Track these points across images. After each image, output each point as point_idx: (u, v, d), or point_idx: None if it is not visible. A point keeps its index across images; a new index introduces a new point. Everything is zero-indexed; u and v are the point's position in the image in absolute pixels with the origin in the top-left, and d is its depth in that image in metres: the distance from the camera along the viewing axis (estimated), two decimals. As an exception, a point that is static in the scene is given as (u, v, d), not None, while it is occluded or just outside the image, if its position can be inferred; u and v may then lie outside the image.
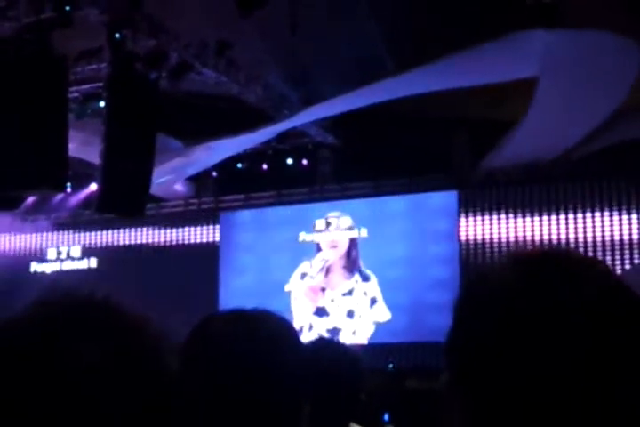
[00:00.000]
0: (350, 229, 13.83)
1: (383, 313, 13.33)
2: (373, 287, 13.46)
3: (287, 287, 13.78)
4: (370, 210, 13.74)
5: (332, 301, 13.63)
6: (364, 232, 13.71)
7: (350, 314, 13.51)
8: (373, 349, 12.80)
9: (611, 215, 12.33)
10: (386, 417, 6.68)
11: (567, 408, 0.94)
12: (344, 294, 13.62)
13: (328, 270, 13.79)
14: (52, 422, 0.81)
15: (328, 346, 2.59)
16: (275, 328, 1.68)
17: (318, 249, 13.90)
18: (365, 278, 13.55)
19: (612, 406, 0.95)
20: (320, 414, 2.34)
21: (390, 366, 12.14)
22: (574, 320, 0.95)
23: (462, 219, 13.15)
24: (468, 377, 1.00)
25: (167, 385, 0.89)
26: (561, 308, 0.96)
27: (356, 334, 13.28)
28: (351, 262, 13.72)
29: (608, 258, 11.98)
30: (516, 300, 0.98)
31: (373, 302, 13.45)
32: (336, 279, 13.75)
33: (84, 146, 11.70)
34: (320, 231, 13.95)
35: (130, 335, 0.88)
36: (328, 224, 13.94)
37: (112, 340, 0.86)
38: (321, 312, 13.54)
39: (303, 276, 13.86)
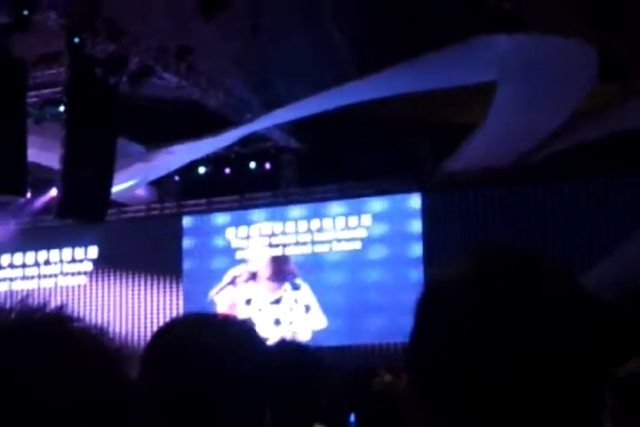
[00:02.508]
0: (272, 245, 13.96)
1: (319, 320, 13.47)
2: (306, 295, 13.61)
3: (216, 300, 13.85)
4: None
5: (260, 310, 13.71)
6: (292, 250, 13.85)
7: (277, 322, 13.62)
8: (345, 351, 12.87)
9: (566, 218, 12.48)
10: (352, 418, 6.68)
11: (527, 410, 0.95)
12: (272, 303, 13.77)
13: (253, 280, 13.88)
14: None
15: (290, 348, 2.59)
16: (237, 331, 1.69)
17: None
18: (295, 287, 13.71)
19: (573, 405, 0.97)
20: (282, 416, 2.34)
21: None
22: (533, 322, 0.96)
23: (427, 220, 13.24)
24: (425, 379, 1.01)
25: (125, 392, 0.88)
26: (520, 310, 0.96)
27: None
28: (278, 273, 13.87)
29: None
30: (476, 302, 0.98)
31: (307, 308, 13.60)
32: (262, 289, 13.91)
33: (43, 151, 11.59)
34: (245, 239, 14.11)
35: (84, 346, 0.88)
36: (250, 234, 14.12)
37: (65, 351, 0.86)
38: None
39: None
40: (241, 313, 13.63)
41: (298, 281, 13.72)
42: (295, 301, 13.67)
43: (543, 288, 0.99)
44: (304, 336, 13.37)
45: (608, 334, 1.00)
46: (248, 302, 13.85)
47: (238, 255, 14.20)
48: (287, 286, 13.78)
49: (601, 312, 1.01)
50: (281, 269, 13.90)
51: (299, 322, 13.59)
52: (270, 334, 13.25)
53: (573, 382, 0.96)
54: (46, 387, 0.82)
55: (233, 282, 14.02)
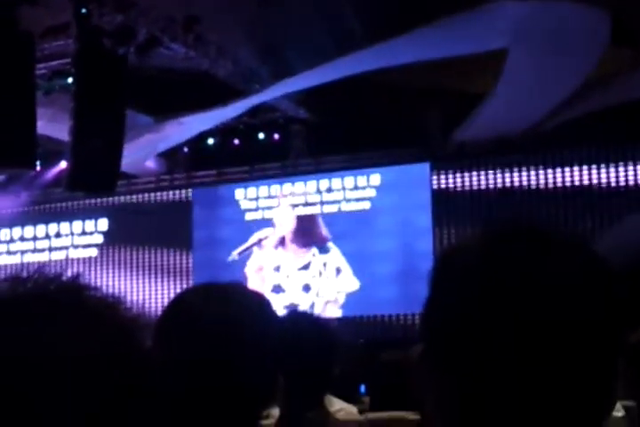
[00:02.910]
0: (299, 204, 13.89)
1: (351, 283, 13.38)
2: (335, 258, 13.49)
3: (246, 270, 13.85)
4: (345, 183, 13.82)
5: (288, 277, 13.69)
6: (315, 209, 13.81)
7: (306, 288, 13.59)
8: (349, 321, 12.95)
9: (581, 185, 12.45)
10: (362, 389, 6.74)
11: (540, 383, 0.95)
12: (299, 269, 13.70)
13: (282, 246, 13.84)
14: (21, 405, 0.80)
15: (302, 319, 2.60)
16: (248, 301, 1.69)
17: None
18: (324, 251, 13.60)
19: (583, 375, 0.97)
20: (294, 386, 2.36)
21: (361, 341, 12.26)
22: (540, 294, 0.96)
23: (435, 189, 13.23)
24: (438, 350, 1.02)
25: (139, 363, 0.89)
26: (527, 282, 0.97)
27: (315, 307, 13.30)
28: (305, 237, 13.76)
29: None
30: (486, 273, 0.99)
31: (338, 271, 13.50)
32: (289, 255, 13.82)
33: (52, 123, 11.59)
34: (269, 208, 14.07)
35: (100, 315, 0.88)
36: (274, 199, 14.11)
37: (81, 320, 0.86)
38: (277, 289, 13.60)
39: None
40: (269, 279, 13.67)
41: (328, 244, 13.63)
42: (324, 265, 13.58)
43: (552, 260, 0.99)
44: (337, 300, 13.38)
45: (622, 302, 1.00)
46: (277, 268, 13.82)
47: (249, 225, 14.20)
48: (314, 250, 13.68)
49: (615, 281, 1.01)
50: (309, 234, 13.77)
51: (329, 286, 13.51)
52: (300, 301, 13.34)
53: (582, 353, 0.96)
54: (63, 355, 0.83)
55: (259, 244, 13.96)
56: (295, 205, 13.96)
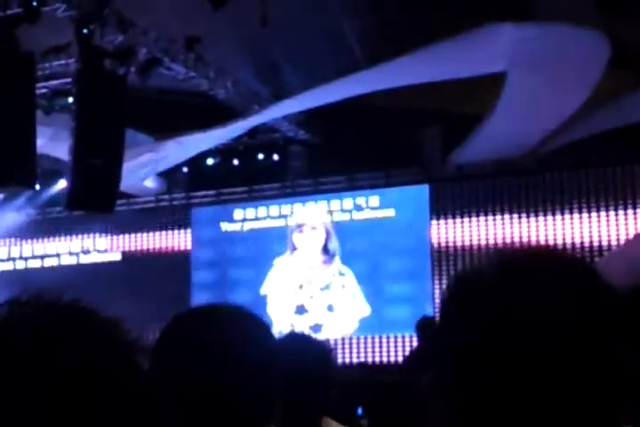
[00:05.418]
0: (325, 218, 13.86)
1: (363, 308, 13.33)
2: (351, 282, 13.45)
3: (262, 291, 13.74)
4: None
5: (312, 297, 13.62)
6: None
7: (330, 308, 13.52)
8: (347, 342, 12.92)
9: (580, 209, 12.43)
10: (359, 411, 6.70)
11: (547, 409, 0.95)
12: (322, 289, 13.63)
13: (305, 266, 13.79)
14: (30, 423, 0.80)
15: (299, 341, 2.58)
16: (245, 323, 1.68)
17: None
18: (340, 274, 13.55)
19: (589, 407, 0.96)
20: (292, 408, 2.34)
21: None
22: (554, 322, 0.97)
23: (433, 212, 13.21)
24: (450, 376, 1.01)
25: (138, 386, 0.89)
26: (541, 310, 0.97)
27: (338, 328, 13.25)
28: (329, 256, 13.67)
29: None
30: (498, 301, 0.99)
31: (354, 295, 13.44)
32: (314, 274, 13.74)
33: (52, 142, 11.61)
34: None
35: (101, 337, 0.88)
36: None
37: (84, 341, 0.86)
38: (301, 310, 13.54)
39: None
40: (291, 300, 13.57)
41: (342, 269, 13.53)
42: (343, 286, 13.55)
43: (567, 287, 0.99)
44: (352, 325, 13.32)
45: (628, 327, 1.00)
46: (300, 287, 13.70)
47: (249, 244, 14.16)
48: (335, 270, 13.62)
49: (620, 305, 1.01)
50: (330, 253, 13.64)
51: (348, 309, 13.46)
52: (325, 321, 13.28)
53: (586, 383, 0.96)
54: (62, 378, 0.82)
55: (281, 267, 13.86)
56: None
